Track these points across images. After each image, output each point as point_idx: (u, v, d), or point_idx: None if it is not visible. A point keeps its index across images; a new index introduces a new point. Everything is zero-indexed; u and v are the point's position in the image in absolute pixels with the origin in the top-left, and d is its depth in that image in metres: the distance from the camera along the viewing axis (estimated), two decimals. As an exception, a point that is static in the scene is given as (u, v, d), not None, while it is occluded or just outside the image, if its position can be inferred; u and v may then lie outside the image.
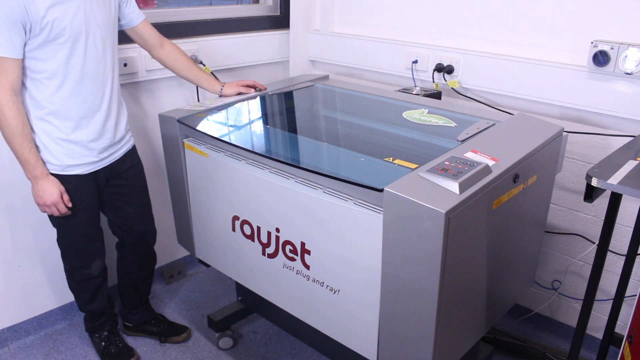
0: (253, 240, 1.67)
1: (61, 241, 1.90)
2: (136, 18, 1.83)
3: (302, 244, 1.52)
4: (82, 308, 2.05)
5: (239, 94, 1.99)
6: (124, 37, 1.87)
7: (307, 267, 1.53)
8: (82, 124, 1.71)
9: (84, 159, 1.75)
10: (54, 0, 1.52)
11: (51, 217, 1.84)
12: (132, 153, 1.93)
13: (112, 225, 1.99)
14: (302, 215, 1.48)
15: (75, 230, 1.85)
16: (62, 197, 1.71)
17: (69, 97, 1.65)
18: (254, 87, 2.02)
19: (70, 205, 1.74)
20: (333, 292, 1.49)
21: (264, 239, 1.63)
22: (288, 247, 1.56)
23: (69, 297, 2.26)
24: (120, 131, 1.84)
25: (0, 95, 1.54)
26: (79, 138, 1.71)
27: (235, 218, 1.70)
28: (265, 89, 2.04)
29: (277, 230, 1.57)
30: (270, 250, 1.63)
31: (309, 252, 1.51)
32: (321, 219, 1.43)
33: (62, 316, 2.31)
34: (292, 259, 1.57)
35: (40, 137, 1.68)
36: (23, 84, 1.62)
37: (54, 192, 1.68)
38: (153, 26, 1.91)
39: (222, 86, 1.97)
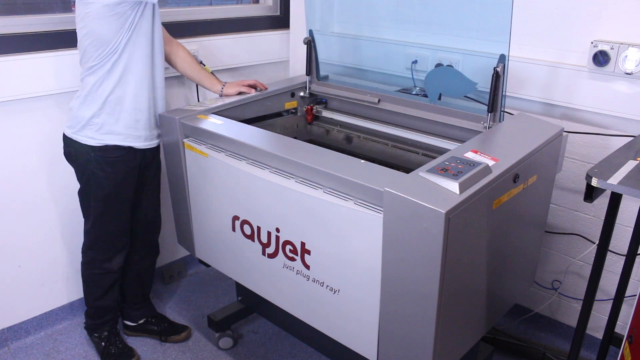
0: (253, 240, 1.67)
1: (94, 230, 1.92)
2: None
3: (302, 244, 1.52)
4: (90, 303, 2.06)
5: (240, 93, 1.99)
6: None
7: (307, 267, 1.53)
8: (147, 106, 1.82)
9: (142, 132, 1.83)
10: None
11: (89, 206, 1.90)
12: (159, 147, 1.98)
13: None
14: (302, 215, 1.48)
15: (113, 219, 1.90)
16: None
17: (143, 80, 1.78)
18: (254, 86, 2.02)
19: None
20: (333, 292, 1.49)
21: (264, 239, 1.63)
22: (288, 247, 1.56)
23: (69, 297, 2.26)
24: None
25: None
26: (140, 116, 1.81)
27: (235, 218, 1.70)
28: (266, 88, 2.04)
29: (277, 230, 1.57)
30: (270, 250, 1.63)
31: (309, 252, 1.51)
32: (321, 219, 1.43)
33: (62, 316, 2.31)
34: (292, 259, 1.57)
35: (108, 114, 1.76)
36: (113, 73, 1.72)
37: None
38: None
39: (223, 86, 1.98)
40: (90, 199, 1.88)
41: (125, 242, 1.99)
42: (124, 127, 1.79)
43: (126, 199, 1.91)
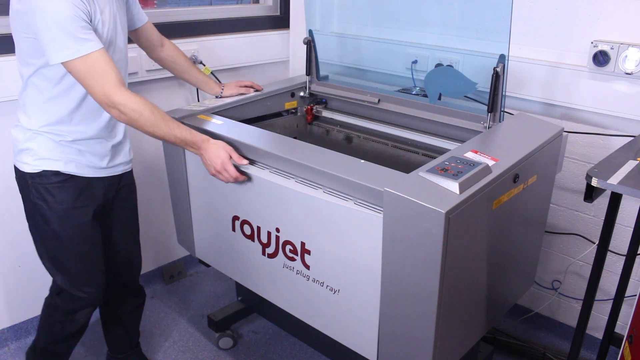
0: (253, 240, 1.67)
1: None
2: (142, 18, 1.79)
3: (302, 244, 1.52)
4: (40, 342, 1.86)
5: (240, 94, 1.98)
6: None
7: (307, 267, 1.53)
8: (101, 127, 1.60)
9: (95, 162, 1.62)
10: (100, 6, 1.46)
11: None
12: (129, 174, 1.79)
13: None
14: (302, 215, 1.48)
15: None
16: (230, 157, 1.55)
17: (91, 101, 1.52)
18: (251, 87, 2.02)
19: (245, 163, 1.56)
20: (333, 292, 1.49)
21: (264, 239, 1.63)
22: (288, 247, 1.56)
23: (69, 297, 2.26)
24: (128, 140, 1.74)
25: (117, 96, 1.39)
26: (92, 141, 1.60)
27: (235, 218, 1.70)
28: (262, 89, 2.04)
29: (277, 230, 1.57)
30: (270, 250, 1.63)
31: (309, 252, 1.51)
32: (321, 219, 1.43)
33: (62, 316, 2.31)
34: (292, 259, 1.57)
35: (51, 140, 1.55)
36: (45, 89, 1.49)
37: (219, 153, 1.54)
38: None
39: (223, 88, 1.97)
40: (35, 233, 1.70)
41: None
42: (60, 152, 1.56)
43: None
